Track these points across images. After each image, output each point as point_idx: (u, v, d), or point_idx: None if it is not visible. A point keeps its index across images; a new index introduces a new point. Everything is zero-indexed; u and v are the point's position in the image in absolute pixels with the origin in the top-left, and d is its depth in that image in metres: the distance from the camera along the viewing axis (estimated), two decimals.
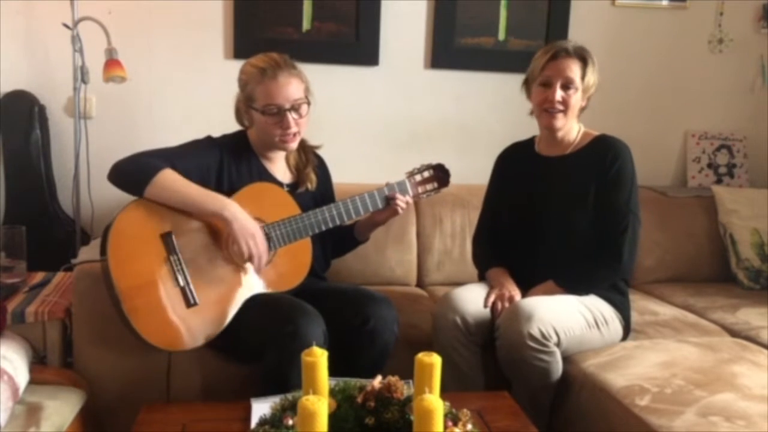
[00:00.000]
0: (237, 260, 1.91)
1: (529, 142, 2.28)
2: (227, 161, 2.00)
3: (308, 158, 2.15)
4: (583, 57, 2.06)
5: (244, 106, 2.02)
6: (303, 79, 2.00)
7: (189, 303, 1.85)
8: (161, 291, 1.83)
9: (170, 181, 1.84)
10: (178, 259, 1.86)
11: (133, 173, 1.85)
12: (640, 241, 2.11)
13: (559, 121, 2.09)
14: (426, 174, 2.16)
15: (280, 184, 2.08)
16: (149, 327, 1.82)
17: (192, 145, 2.00)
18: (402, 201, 2.08)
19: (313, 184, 2.14)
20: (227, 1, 2.80)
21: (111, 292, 1.82)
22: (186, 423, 1.58)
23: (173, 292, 1.85)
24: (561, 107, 2.07)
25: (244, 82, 2.00)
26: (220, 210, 1.84)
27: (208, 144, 2.02)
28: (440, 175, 2.18)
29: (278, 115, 1.95)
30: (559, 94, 2.05)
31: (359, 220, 2.20)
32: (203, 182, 1.92)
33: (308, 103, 2.00)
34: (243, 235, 1.84)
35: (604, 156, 2.08)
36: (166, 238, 1.86)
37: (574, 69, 2.05)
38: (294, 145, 2.02)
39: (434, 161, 2.19)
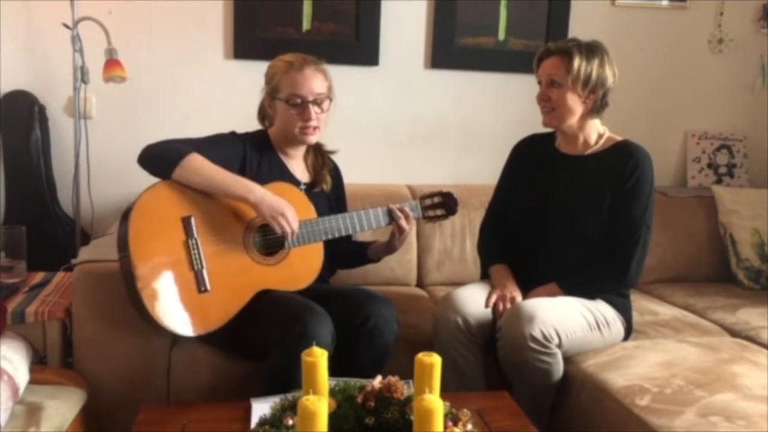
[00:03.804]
0: (255, 257, 1.94)
1: (550, 136, 2.23)
2: (250, 156, 2.03)
3: (324, 160, 2.19)
4: (568, 52, 2.02)
5: (269, 99, 2.07)
6: (327, 77, 2.06)
7: (201, 289, 1.86)
8: (175, 273, 1.84)
9: (198, 164, 1.87)
10: (196, 244, 1.87)
11: (163, 155, 1.88)
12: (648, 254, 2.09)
13: (552, 120, 2.08)
14: (436, 199, 2.17)
15: (298, 181, 2.11)
16: (158, 306, 1.82)
17: (216, 138, 2.04)
18: (402, 220, 2.07)
19: (328, 185, 2.18)
20: (227, 1, 2.80)
21: (126, 269, 1.82)
22: (186, 423, 1.58)
23: (187, 275, 1.85)
24: (548, 106, 2.07)
25: (271, 75, 2.05)
26: (245, 194, 1.86)
27: (232, 137, 2.06)
28: (449, 203, 2.19)
29: (301, 106, 2.00)
30: (543, 92, 2.07)
31: (377, 242, 2.23)
32: None
33: (330, 100, 2.05)
34: (273, 216, 1.87)
35: (624, 163, 2.05)
36: (186, 221, 1.87)
37: (556, 66, 2.04)
38: (313, 138, 2.06)
39: (445, 184, 2.21)
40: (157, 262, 1.83)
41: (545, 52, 2.09)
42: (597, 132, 2.14)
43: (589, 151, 2.13)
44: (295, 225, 1.90)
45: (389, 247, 2.17)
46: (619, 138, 2.14)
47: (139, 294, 1.80)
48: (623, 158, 2.07)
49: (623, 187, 2.05)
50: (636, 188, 2.04)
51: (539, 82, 2.10)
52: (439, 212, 2.18)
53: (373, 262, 2.27)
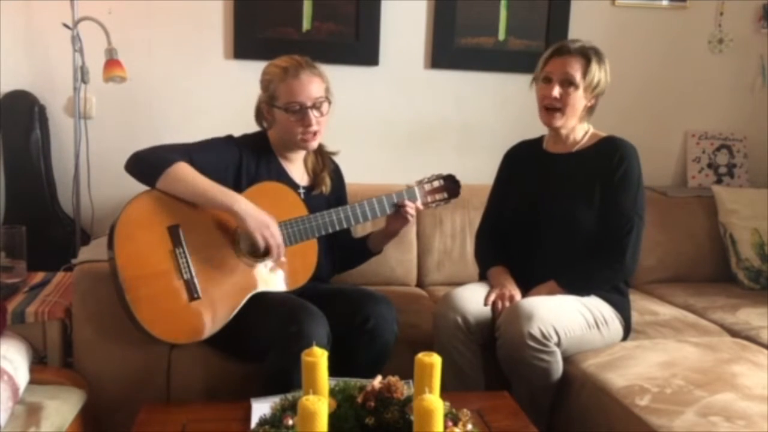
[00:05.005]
0: (246, 260, 1.93)
1: (538, 140, 2.27)
2: (246, 160, 2.02)
3: (325, 162, 2.18)
4: (586, 55, 2.04)
5: (267, 106, 2.05)
6: (324, 79, 2.04)
7: (192, 296, 1.86)
8: (165, 283, 1.84)
9: (183, 174, 1.85)
10: (184, 252, 1.87)
11: (148, 164, 1.87)
12: (642, 243, 2.10)
13: (558, 120, 2.09)
14: (436, 183, 2.16)
15: (296, 185, 2.10)
16: (151, 318, 1.82)
17: (212, 142, 2.02)
18: (411, 208, 2.08)
19: (328, 187, 2.17)
20: (227, 1, 2.80)
21: (115, 281, 1.83)
22: (186, 423, 1.58)
23: (177, 284, 1.85)
24: (558, 105, 2.06)
25: (267, 82, 2.03)
26: (230, 205, 1.85)
27: (228, 142, 2.04)
28: (451, 185, 2.18)
29: (300, 112, 1.98)
30: (557, 90, 2.05)
31: (373, 232, 2.23)
32: (220, 179, 1.94)
33: (329, 102, 2.04)
34: (258, 229, 1.86)
35: (611, 157, 2.08)
36: (173, 230, 1.87)
37: (575, 66, 2.04)
38: (314, 143, 2.04)
39: (445, 172, 2.19)
40: (145, 274, 1.83)
41: (561, 49, 2.07)
42: (583, 129, 2.17)
43: (575, 148, 2.15)
44: (280, 240, 1.90)
45: (389, 234, 2.17)
46: (603, 134, 2.17)
47: (130, 308, 1.81)
48: (609, 152, 2.09)
49: (612, 179, 2.07)
50: (624, 179, 2.06)
51: (546, 79, 2.08)
52: (438, 197, 2.17)
53: (375, 254, 2.26)
